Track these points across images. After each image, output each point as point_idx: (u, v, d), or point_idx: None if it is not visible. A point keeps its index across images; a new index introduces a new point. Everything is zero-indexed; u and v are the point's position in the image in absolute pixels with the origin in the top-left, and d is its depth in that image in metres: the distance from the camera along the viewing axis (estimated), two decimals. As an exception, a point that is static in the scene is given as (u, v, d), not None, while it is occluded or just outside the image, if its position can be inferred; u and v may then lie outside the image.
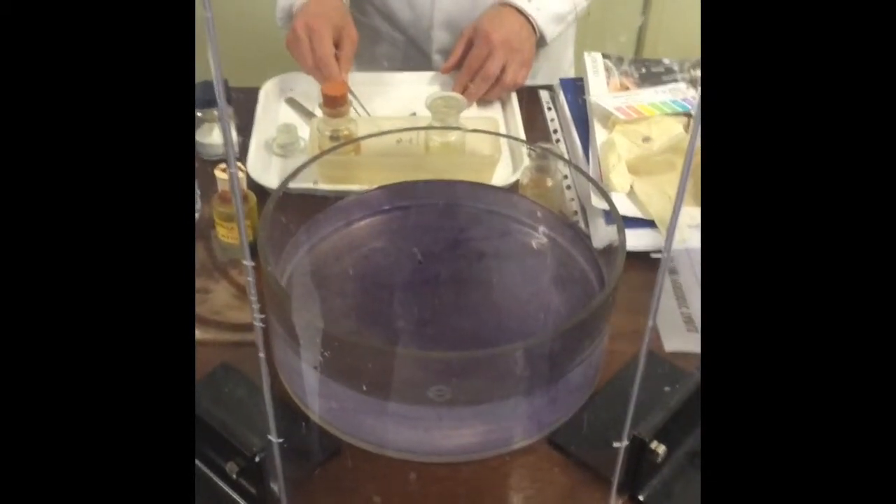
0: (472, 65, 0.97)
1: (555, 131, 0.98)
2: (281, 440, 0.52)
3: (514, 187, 0.84)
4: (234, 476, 0.56)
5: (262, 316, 0.45)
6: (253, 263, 0.42)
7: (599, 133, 0.89)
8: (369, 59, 1.11)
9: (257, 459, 0.54)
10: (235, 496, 0.58)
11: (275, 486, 0.57)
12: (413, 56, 1.10)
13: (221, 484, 0.59)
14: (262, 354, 0.46)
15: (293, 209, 0.69)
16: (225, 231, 0.78)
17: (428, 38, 1.08)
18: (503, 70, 0.96)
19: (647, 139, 0.87)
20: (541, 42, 1.00)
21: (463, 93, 0.96)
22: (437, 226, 0.76)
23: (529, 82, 1.02)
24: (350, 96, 0.88)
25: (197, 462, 0.60)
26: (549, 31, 1.00)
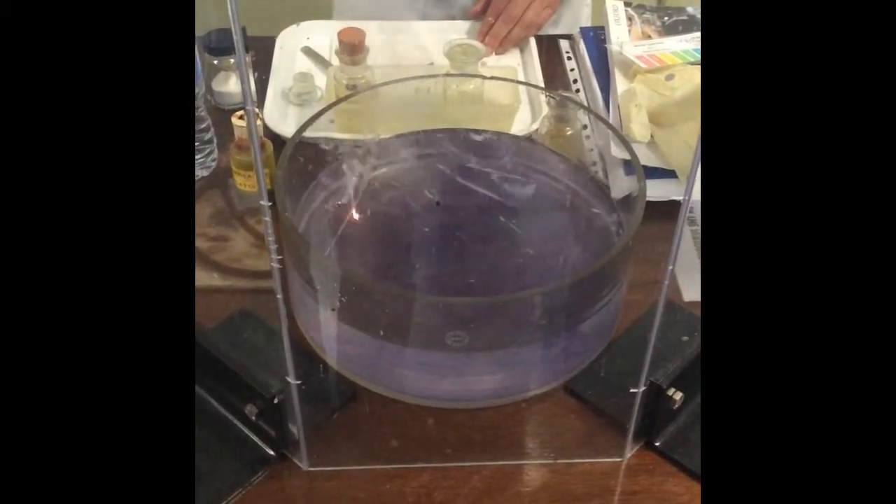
0: (497, 5, 0.96)
1: (574, 81, 0.96)
2: (299, 382, 0.52)
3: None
4: (254, 418, 0.57)
5: (280, 258, 0.46)
6: (270, 203, 0.42)
7: (620, 82, 0.88)
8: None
9: (276, 401, 0.54)
10: (256, 439, 0.59)
11: (294, 429, 0.57)
12: None
13: (242, 427, 0.60)
14: (279, 295, 0.46)
15: (310, 158, 0.69)
16: (242, 179, 0.78)
17: None
18: (526, 10, 0.95)
19: (670, 77, 0.86)
20: None
21: (485, 39, 0.95)
22: (455, 175, 0.75)
23: (551, 31, 1.00)
24: None
25: (217, 405, 0.61)
26: None
